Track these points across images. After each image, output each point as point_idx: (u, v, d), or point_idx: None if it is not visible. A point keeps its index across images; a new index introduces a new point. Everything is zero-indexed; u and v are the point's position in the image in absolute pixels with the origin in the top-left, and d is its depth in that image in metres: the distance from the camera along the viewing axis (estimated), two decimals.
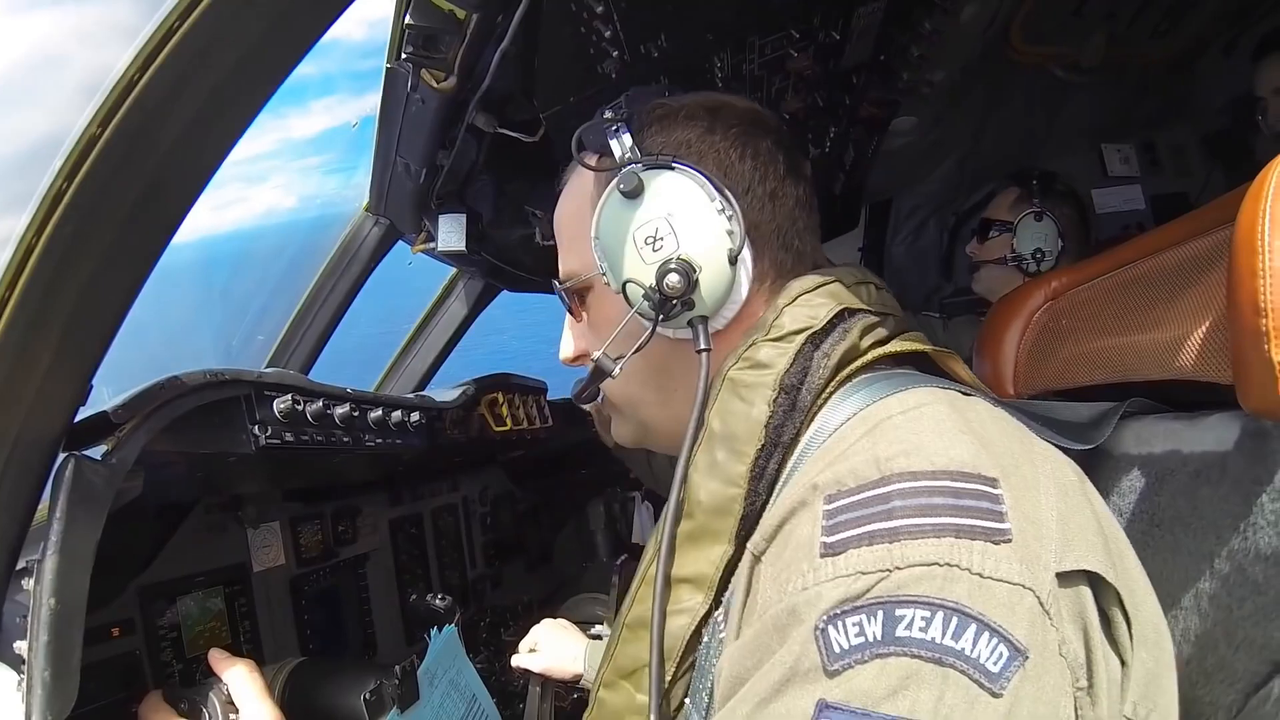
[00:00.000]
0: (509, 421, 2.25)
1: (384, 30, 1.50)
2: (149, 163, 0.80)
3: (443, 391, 2.15)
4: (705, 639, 0.92)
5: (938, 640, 0.66)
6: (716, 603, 0.92)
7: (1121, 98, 2.74)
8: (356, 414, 1.51)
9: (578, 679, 1.77)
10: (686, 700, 0.94)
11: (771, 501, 0.90)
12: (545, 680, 1.86)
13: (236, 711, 1.08)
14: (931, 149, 2.73)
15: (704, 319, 0.97)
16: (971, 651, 0.66)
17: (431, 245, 2.07)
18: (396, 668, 1.27)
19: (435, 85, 1.52)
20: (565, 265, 1.11)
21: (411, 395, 1.83)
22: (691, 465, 0.95)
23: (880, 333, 0.98)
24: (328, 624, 1.89)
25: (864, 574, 0.70)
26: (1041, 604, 0.69)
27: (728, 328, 1.00)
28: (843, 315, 0.95)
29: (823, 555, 0.73)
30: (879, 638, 0.67)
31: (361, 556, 2.03)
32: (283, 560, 1.75)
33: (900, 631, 0.67)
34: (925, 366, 1.00)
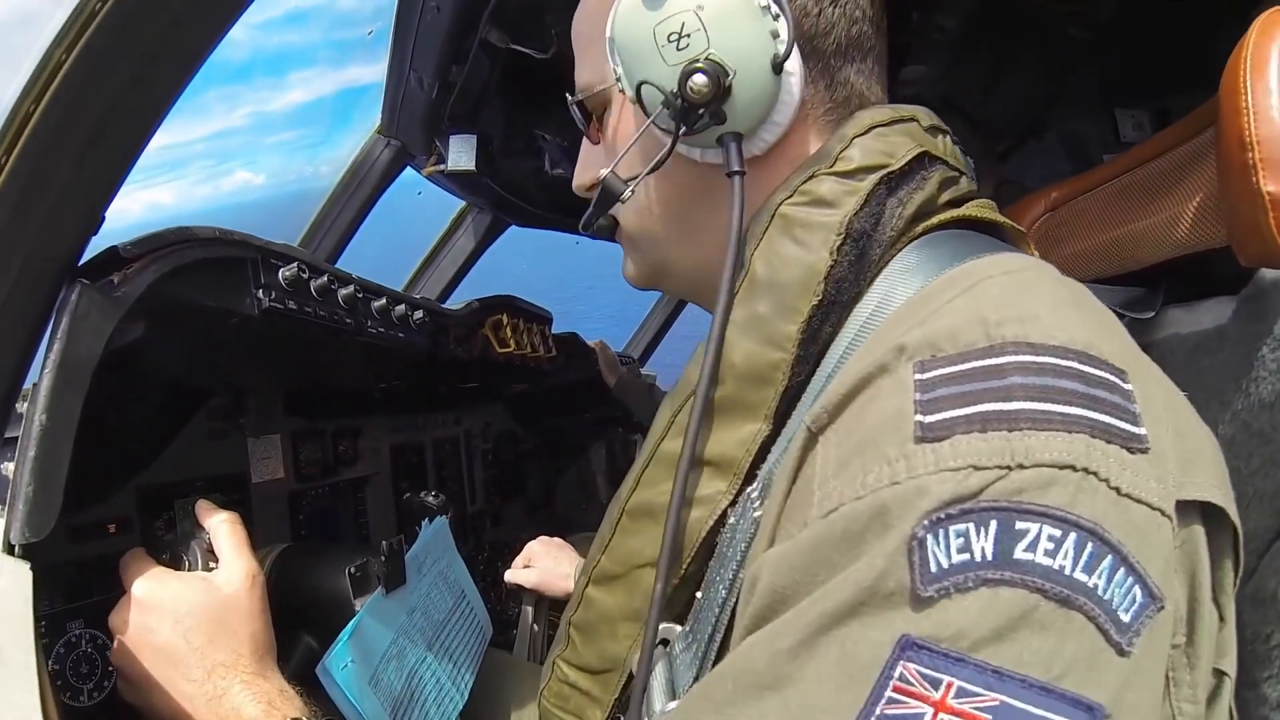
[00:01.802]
0: (512, 344, 2.24)
1: None
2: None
3: (448, 305, 2.14)
4: (731, 520, 0.77)
5: (1067, 571, 0.51)
6: (743, 491, 0.77)
7: (1136, 60, 2.74)
8: (360, 297, 1.50)
9: (569, 597, 1.76)
10: (699, 594, 0.79)
11: (820, 374, 0.75)
12: (539, 598, 1.86)
13: (217, 561, 1.06)
14: (941, 104, 2.74)
15: (737, 136, 0.80)
16: (1105, 592, 0.51)
17: (441, 166, 2.08)
18: (384, 544, 1.26)
19: None
20: (580, 76, 0.95)
21: (416, 296, 1.83)
22: (726, 324, 0.79)
23: (955, 190, 0.82)
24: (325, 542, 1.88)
25: (978, 469, 0.53)
26: (1173, 538, 0.56)
27: (769, 155, 0.84)
28: (923, 160, 0.79)
29: (919, 439, 0.56)
30: (990, 557, 0.51)
31: (361, 480, 2.02)
32: (282, 474, 1.75)
33: (1020, 553, 0.51)
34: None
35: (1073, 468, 0.53)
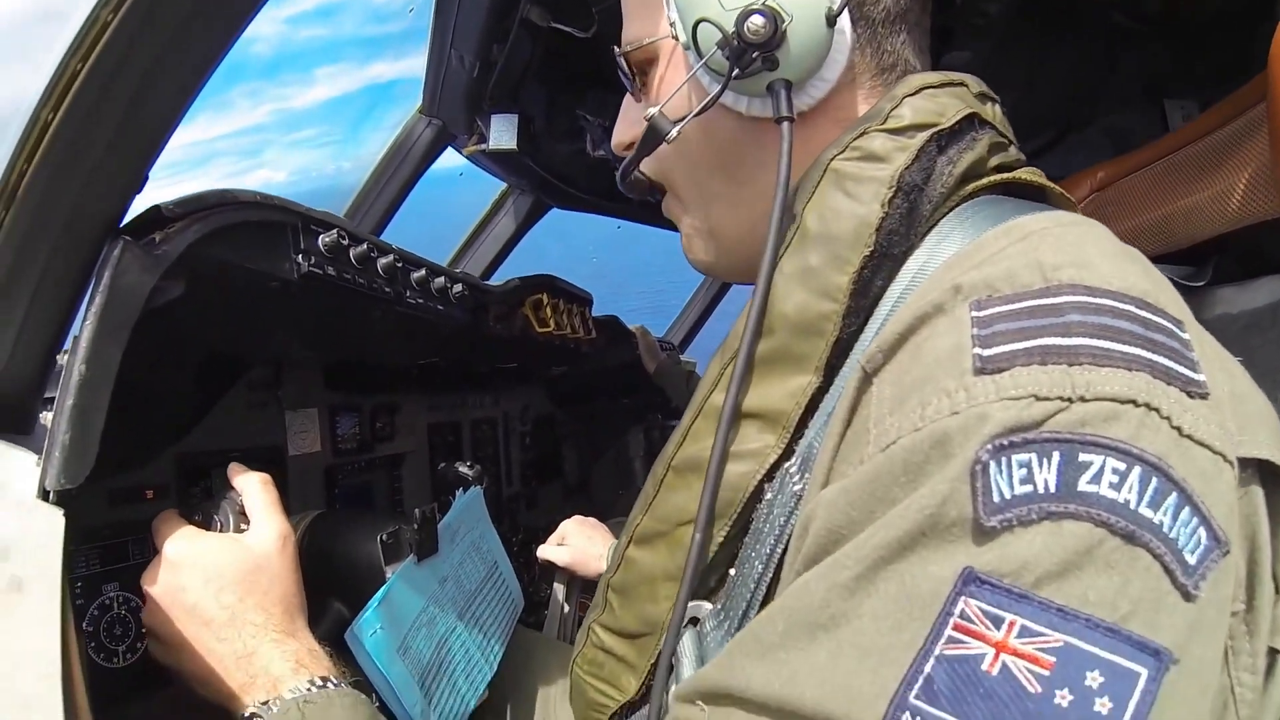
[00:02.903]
0: (552, 324, 2.22)
1: None
2: None
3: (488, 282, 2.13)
4: (768, 495, 0.76)
5: (1132, 505, 0.49)
6: (789, 450, 0.76)
7: (1183, 51, 2.67)
8: (400, 267, 1.49)
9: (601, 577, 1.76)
10: (731, 571, 0.78)
11: (871, 327, 0.74)
12: (571, 577, 1.86)
13: (249, 523, 1.07)
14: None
15: (787, 83, 0.80)
16: (1171, 530, 0.49)
17: (482, 146, 2.07)
18: (417, 511, 1.26)
19: None
20: (628, 31, 0.94)
21: (456, 270, 1.83)
22: (775, 268, 0.78)
23: (1004, 156, 0.80)
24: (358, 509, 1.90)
25: (1039, 399, 0.52)
26: (1235, 485, 0.54)
27: (815, 112, 0.83)
28: (972, 121, 0.78)
29: (978, 371, 0.55)
30: (1053, 488, 0.50)
31: (398, 456, 2.03)
32: (319, 448, 1.76)
33: (1084, 484, 0.49)
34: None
35: (1134, 402, 0.51)
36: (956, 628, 0.50)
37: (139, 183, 0.93)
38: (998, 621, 0.49)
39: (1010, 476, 0.50)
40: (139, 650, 1.06)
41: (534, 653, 1.55)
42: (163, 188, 0.93)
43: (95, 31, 0.78)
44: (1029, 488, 0.50)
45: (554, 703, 1.45)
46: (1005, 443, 0.51)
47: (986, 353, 0.55)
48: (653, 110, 0.86)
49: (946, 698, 0.50)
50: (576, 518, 1.90)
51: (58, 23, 0.80)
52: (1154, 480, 0.49)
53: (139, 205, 0.97)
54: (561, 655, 1.54)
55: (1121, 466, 0.49)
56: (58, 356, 0.97)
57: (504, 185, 2.69)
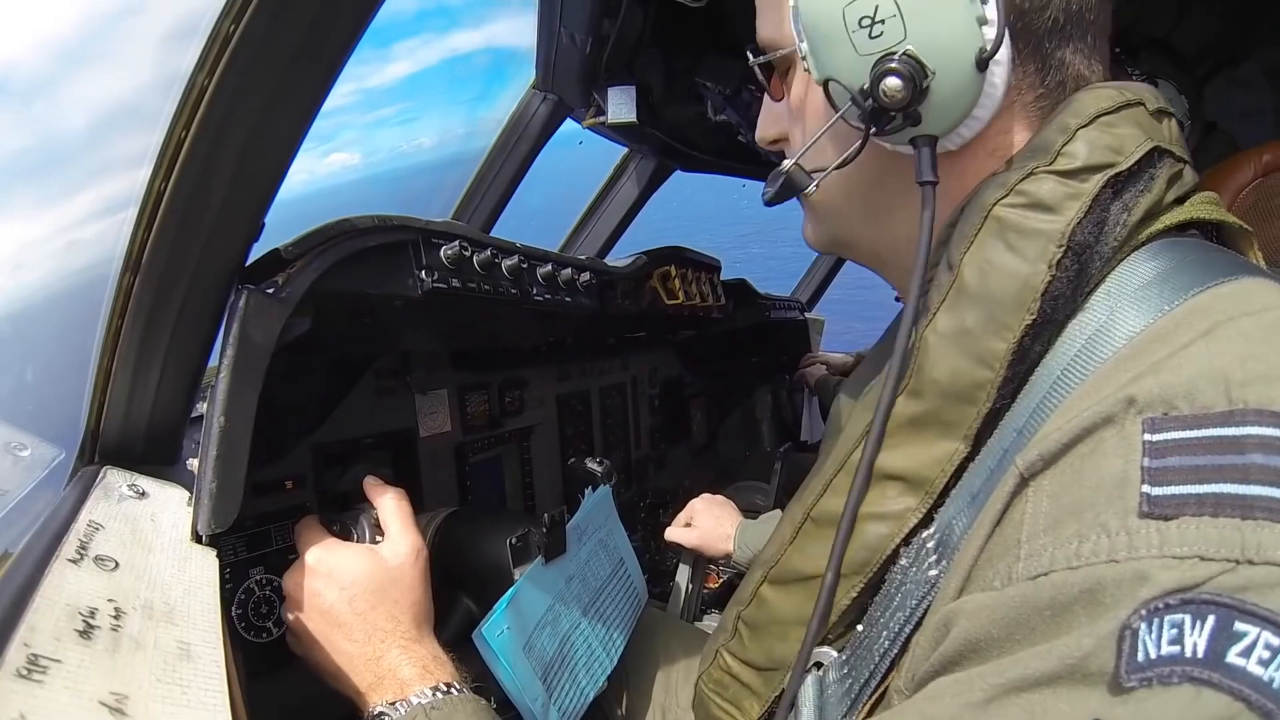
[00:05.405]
0: (680, 295, 2.20)
1: None
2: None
3: (614, 260, 2.10)
4: (903, 561, 0.75)
5: (1276, 685, 0.45)
6: (928, 517, 0.75)
7: None
8: (525, 266, 1.50)
9: (728, 557, 1.76)
10: (859, 627, 0.78)
11: (1027, 399, 0.70)
12: (697, 557, 1.87)
13: (384, 535, 1.13)
14: (1127, 32, 2.46)
15: (931, 140, 0.74)
16: None
17: (601, 119, 2.05)
18: (545, 515, 1.28)
19: None
20: (763, 30, 0.87)
21: (583, 257, 1.81)
22: (929, 325, 0.74)
23: (1181, 186, 0.73)
24: (490, 491, 1.95)
25: (1205, 560, 0.49)
26: None
27: (965, 149, 0.77)
28: (1153, 157, 0.71)
29: (1144, 514, 0.52)
30: (1200, 654, 0.47)
31: (527, 429, 2.07)
32: (449, 427, 1.81)
33: (1233, 656, 0.46)
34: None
35: None
36: None
37: (257, 231, 0.96)
38: None
39: (1159, 637, 0.48)
40: (284, 626, 1.13)
41: (658, 632, 1.57)
42: None
43: (194, 98, 0.80)
44: (1176, 649, 0.48)
45: (675, 685, 1.46)
46: (1161, 605, 0.49)
47: (1155, 492, 0.53)
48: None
49: None
50: (704, 496, 1.90)
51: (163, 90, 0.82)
52: None
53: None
54: (684, 637, 1.56)
55: (1276, 642, 0.46)
56: (198, 396, 1.02)
57: (625, 149, 2.67)
